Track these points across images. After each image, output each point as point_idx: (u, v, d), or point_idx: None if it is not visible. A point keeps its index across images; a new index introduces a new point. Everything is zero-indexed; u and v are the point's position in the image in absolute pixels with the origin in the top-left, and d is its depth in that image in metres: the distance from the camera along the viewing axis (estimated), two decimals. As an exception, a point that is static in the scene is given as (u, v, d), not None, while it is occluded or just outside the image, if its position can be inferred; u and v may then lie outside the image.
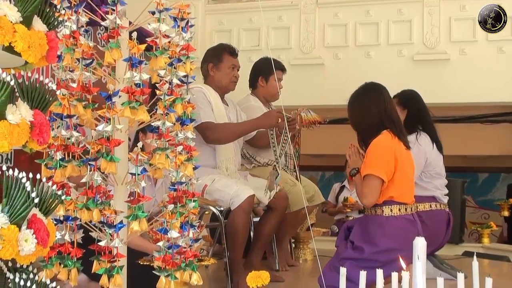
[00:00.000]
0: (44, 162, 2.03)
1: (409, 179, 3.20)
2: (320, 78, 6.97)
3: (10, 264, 1.57)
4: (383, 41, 6.94)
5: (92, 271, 2.01)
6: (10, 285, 1.53)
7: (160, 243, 2.09)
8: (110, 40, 2.03)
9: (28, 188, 1.49)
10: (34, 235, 1.48)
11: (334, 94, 6.45)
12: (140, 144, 2.01)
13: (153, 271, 2.10)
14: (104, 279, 1.99)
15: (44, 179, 1.58)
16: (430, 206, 4.05)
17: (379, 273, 1.55)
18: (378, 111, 3.18)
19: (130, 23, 2.14)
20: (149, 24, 2.09)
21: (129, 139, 2.94)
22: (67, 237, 2.02)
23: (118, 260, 1.99)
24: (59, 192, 1.64)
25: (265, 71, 4.31)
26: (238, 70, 4.01)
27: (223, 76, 3.92)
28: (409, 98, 4.26)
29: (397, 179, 3.08)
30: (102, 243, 1.99)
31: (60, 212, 1.99)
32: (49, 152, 2.03)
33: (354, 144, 3.30)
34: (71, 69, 2.06)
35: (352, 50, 7.03)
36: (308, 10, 7.12)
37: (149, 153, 2.09)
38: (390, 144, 3.10)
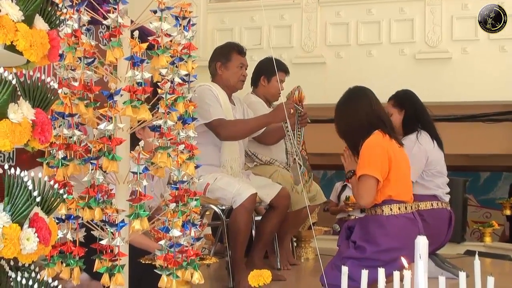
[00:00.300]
0: (46, 161, 2.03)
1: (406, 177, 3.20)
2: (321, 77, 6.97)
3: (12, 262, 1.57)
4: (385, 40, 6.94)
5: (94, 269, 2.01)
6: (12, 283, 1.54)
7: (162, 242, 2.09)
8: (111, 38, 2.03)
9: (30, 187, 1.50)
10: (36, 234, 1.48)
11: (336, 93, 6.41)
12: (141, 143, 2.01)
13: (155, 270, 2.10)
14: (105, 278, 1.99)
15: (46, 178, 1.58)
16: (432, 205, 4.05)
17: (381, 272, 1.55)
18: (366, 113, 3.19)
19: (131, 21, 2.14)
20: (150, 23, 2.08)
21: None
22: (69, 236, 2.02)
23: (120, 259, 1.99)
24: (61, 191, 1.64)
25: (268, 71, 4.30)
26: (246, 69, 4.00)
27: (231, 75, 3.91)
28: (405, 99, 4.25)
29: (393, 178, 3.09)
30: (103, 242, 1.99)
31: (62, 211, 1.99)
32: (51, 151, 2.03)
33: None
34: (72, 68, 2.06)
35: (354, 49, 7.03)
36: (310, 9, 7.12)
37: (150, 152, 2.09)
38: (382, 143, 3.11)
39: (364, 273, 1.62)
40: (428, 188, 4.06)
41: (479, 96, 6.69)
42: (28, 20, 1.54)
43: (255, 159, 4.28)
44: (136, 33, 2.05)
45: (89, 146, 2.05)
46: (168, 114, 2.09)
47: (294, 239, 4.78)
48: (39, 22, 1.59)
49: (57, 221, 1.97)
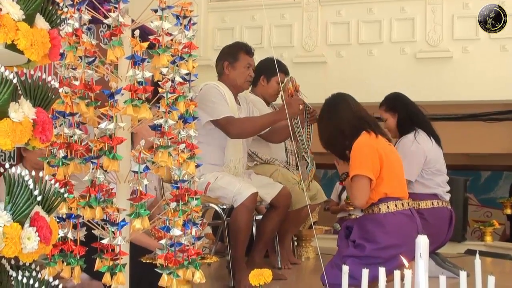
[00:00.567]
0: (47, 160, 2.03)
1: (398, 173, 3.21)
2: (322, 76, 6.97)
3: (13, 262, 1.57)
4: (385, 39, 6.94)
5: (95, 269, 2.01)
6: (13, 282, 1.54)
7: (163, 241, 2.09)
8: (112, 38, 2.03)
9: (31, 186, 1.50)
10: (37, 233, 1.48)
11: (337, 92, 6.45)
12: (142, 142, 2.01)
13: (155, 269, 2.11)
14: (106, 277, 1.99)
15: (46, 177, 1.58)
16: (432, 204, 4.04)
17: (381, 271, 1.55)
18: (347, 119, 3.21)
19: (132, 21, 2.14)
20: (151, 22, 2.08)
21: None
22: (70, 235, 2.02)
23: (121, 258, 2.00)
24: (62, 190, 1.64)
25: (268, 71, 4.30)
26: (253, 70, 3.99)
27: (238, 75, 3.90)
28: (395, 102, 4.24)
29: (386, 175, 3.09)
30: (104, 241, 1.99)
31: (62, 210, 1.99)
32: (52, 150, 2.03)
33: None
34: (73, 67, 2.06)
35: (355, 48, 7.04)
36: (310, 8, 7.12)
37: (151, 151, 2.09)
38: (371, 142, 3.12)
39: (365, 272, 1.62)
40: (428, 186, 4.06)
41: (479, 95, 6.69)
42: (29, 19, 1.54)
43: (255, 158, 4.28)
44: (137, 32, 2.05)
45: (90, 145, 2.05)
46: (169, 113, 2.09)
47: (295, 238, 4.78)
48: (40, 21, 1.59)
49: (58, 220, 1.98)
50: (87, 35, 2.07)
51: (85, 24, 2.07)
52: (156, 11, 2.07)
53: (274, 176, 4.09)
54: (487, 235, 7.55)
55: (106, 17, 2.07)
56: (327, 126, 3.30)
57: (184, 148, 2.13)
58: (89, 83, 2.08)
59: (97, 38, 2.20)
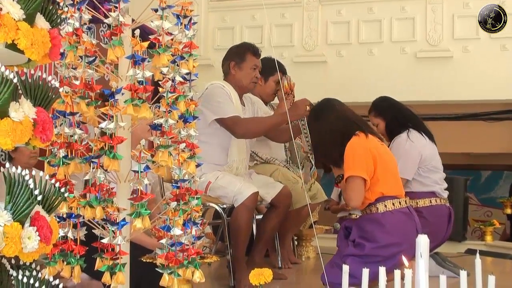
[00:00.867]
0: (47, 160, 2.04)
1: (393, 171, 3.21)
2: (322, 76, 6.97)
3: (13, 261, 1.57)
4: (386, 39, 6.94)
5: (95, 268, 2.01)
6: (13, 282, 1.54)
7: (163, 241, 2.09)
8: (113, 37, 2.03)
9: (31, 186, 1.50)
10: (37, 233, 1.48)
11: (337, 91, 6.44)
12: (142, 142, 2.01)
13: (156, 269, 2.11)
14: (106, 277, 1.99)
15: (47, 177, 1.58)
16: (430, 202, 4.04)
17: (382, 270, 1.55)
18: (335, 126, 3.23)
19: (133, 20, 2.14)
20: (152, 21, 2.08)
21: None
22: (70, 235, 2.02)
23: (121, 258, 2.00)
24: (62, 190, 1.64)
25: (266, 71, 4.29)
26: (260, 71, 3.99)
27: (244, 75, 3.89)
28: (381, 106, 4.20)
29: (382, 175, 3.10)
30: (105, 241, 1.99)
31: (63, 209, 1.99)
32: (52, 150, 2.03)
33: None
34: (74, 67, 2.06)
35: (355, 48, 7.03)
36: (311, 8, 7.12)
37: (151, 150, 2.10)
38: (363, 143, 3.13)
39: (365, 272, 1.62)
40: (425, 184, 4.06)
41: (480, 95, 6.68)
42: (29, 19, 1.54)
43: (255, 158, 4.27)
44: (137, 32, 2.05)
45: (90, 145, 2.05)
46: (169, 112, 2.09)
47: (295, 238, 4.78)
48: (40, 21, 1.59)
49: (58, 219, 1.98)
50: (87, 34, 2.07)
51: (85, 23, 2.07)
52: (156, 10, 2.07)
53: (274, 175, 4.09)
54: (487, 234, 7.56)
55: (106, 16, 2.07)
56: (316, 136, 3.33)
57: (184, 148, 2.14)
58: (90, 82, 2.08)
59: (98, 38, 2.20)
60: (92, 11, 2.12)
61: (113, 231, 1.98)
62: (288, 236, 4.39)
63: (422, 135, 4.10)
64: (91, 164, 2.02)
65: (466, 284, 1.53)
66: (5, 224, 1.42)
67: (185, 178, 2.13)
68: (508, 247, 6.98)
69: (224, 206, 3.75)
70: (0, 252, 1.42)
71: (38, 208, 1.51)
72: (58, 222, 1.94)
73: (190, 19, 2.17)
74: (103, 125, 1.99)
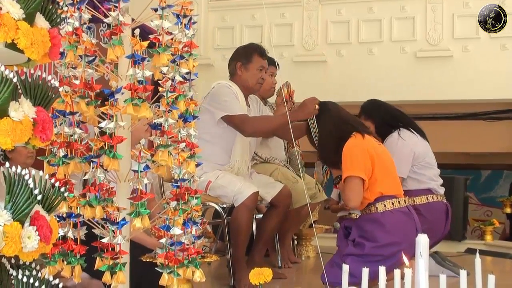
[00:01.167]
0: (47, 159, 2.03)
1: (391, 171, 3.22)
2: (322, 75, 6.97)
3: (13, 261, 1.57)
4: (385, 38, 6.94)
5: (95, 268, 2.01)
6: (13, 281, 1.54)
7: (163, 240, 2.09)
8: (112, 37, 2.03)
9: (31, 185, 1.50)
10: (37, 232, 1.48)
11: (337, 91, 6.46)
12: (142, 141, 2.01)
13: (156, 268, 2.11)
14: (107, 276, 1.99)
15: (47, 176, 1.58)
16: (427, 199, 4.05)
17: (382, 270, 1.55)
18: (331, 130, 3.26)
19: (132, 20, 2.14)
20: (151, 21, 2.08)
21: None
22: (70, 234, 2.02)
23: (121, 257, 2.00)
24: (62, 189, 1.64)
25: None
26: (265, 72, 3.98)
27: (250, 76, 3.88)
28: (369, 109, 4.20)
29: (380, 174, 3.11)
30: (105, 240, 1.99)
31: (63, 209, 1.99)
32: (52, 149, 2.03)
33: None
34: (73, 66, 2.06)
35: (355, 47, 7.04)
36: (311, 7, 7.12)
37: (151, 150, 2.10)
38: (361, 144, 3.14)
39: (365, 271, 1.62)
40: (421, 182, 4.06)
41: (480, 94, 6.69)
42: (29, 18, 1.54)
43: (255, 157, 4.28)
44: (137, 31, 2.05)
45: (90, 144, 2.05)
46: (169, 112, 2.09)
47: (295, 237, 4.79)
48: (40, 20, 1.59)
49: (58, 219, 1.98)
50: (87, 34, 2.06)
51: (85, 23, 2.07)
52: (156, 10, 2.07)
53: (274, 175, 4.09)
54: (487, 234, 7.56)
55: (106, 16, 2.07)
56: (314, 141, 3.35)
57: (184, 147, 2.14)
58: (89, 82, 2.08)
59: (97, 37, 2.20)
60: (92, 11, 2.12)
61: (113, 230, 1.98)
62: (288, 235, 4.39)
63: (413, 132, 4.11)
64: (91, 163, 2.02)
65: (466, 284, 1.53)
66: (5, 224, 1.42)
67: (185, 178, 2.13)
68: (508, 246, 6.99)
69: (224, 205, 3.75)
70: (0, 251, 1.42)
71: (38, 207, 1.51)
72: (58, 221, 1.94)
73: (190, 18, 2.16)
74: (103, 124, 1.99)
